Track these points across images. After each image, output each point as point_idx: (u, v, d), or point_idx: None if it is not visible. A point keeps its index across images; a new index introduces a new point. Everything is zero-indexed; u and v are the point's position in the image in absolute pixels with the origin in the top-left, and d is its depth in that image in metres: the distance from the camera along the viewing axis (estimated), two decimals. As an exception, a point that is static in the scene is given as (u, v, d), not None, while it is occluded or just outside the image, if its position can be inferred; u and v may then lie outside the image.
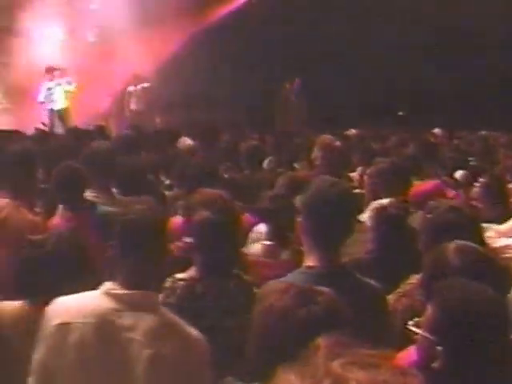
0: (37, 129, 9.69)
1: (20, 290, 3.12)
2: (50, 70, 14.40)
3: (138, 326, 2.49)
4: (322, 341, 1.38)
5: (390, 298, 3.06)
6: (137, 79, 15.54)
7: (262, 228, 4.57)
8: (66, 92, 14.35)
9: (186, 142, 8.16)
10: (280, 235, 4.01)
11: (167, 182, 6.78)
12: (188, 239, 3.21)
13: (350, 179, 6.36)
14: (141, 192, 4.88)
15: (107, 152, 4.85)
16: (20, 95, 14.56)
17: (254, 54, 15.97)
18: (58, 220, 4.39)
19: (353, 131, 10.77)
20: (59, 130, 13.56)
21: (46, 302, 2.83)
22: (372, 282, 2.88)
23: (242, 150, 6.78)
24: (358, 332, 1.95)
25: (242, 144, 7.20)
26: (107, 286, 2.58)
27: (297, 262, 3.08)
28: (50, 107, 14.41)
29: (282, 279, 2.71)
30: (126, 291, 2.53)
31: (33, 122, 13.34)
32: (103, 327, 2.49)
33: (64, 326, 2.51)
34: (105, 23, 15.90)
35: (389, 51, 15.31)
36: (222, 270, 3.19)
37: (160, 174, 6.82)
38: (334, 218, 2.72)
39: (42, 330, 2.58)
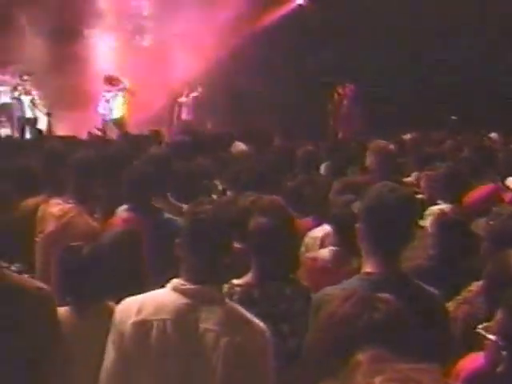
0: (90, 134, 9.81)
1: (63, 294, 3.21)
2: (108, 80, 14.54)
3: (211, 317, 2.63)
4: (362, 356, 1.36)
5: (450, 305, 3.00)
6: (189, 87, 15.65)
7: (316, 233, 4.54)
8: (123, 99, 14.54)
9: (240, 146, 8.18)
10: (348, 241, 3.94)
11: (221, 187, 6.83)
12: (238, 244, 3.19)
13: (405, 184, 6.26)
14: (195, 197, 5.00)
15: (163, 158, 4.88)
16: (75, 101, 14.78)
17: (306, 58, 15.92)
18: (118, 220, 4.41)
19: (407, 136, 10.63)
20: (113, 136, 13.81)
21: (89, 307, 2.92)
22: (431, 289, 2.82)
23: (299, 155, 6.76)
24: (415, 340, 1.93)
25: (299, 149, 7.18)
26: (175, 282, 2.69)
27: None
28: (108, 118, 14.59)
29: (340, 285, 2.67)
30: (194, 286, 2.65)
31: (86, 127, 13.64)
32: (180, 322, 2.62)
33: (143, 324, 2.62)
34: (157, 28, 16.06)
35: (440, 55, 15.11)
36: (278, 275, 3.20)
37: (215, 179, 6.86)
38: (393, 223, 2.68)
39: (115, 330, 2.69)
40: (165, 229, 4.06)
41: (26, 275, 2.92)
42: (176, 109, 15.91)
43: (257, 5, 15.97)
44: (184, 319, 2.63)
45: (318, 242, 4.41)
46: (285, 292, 3.23)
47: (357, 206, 2.91)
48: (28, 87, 14.54)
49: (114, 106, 14.56)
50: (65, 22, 15.43)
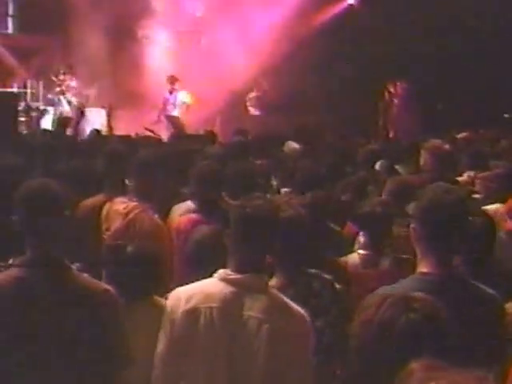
0: (139, 134, 9.89)
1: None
2: (172, 80, 14.64)
3: (255, 305, 2.76)
4: (415, 365, 1.36)
5: (508, 306, 2.96)
6: (256, 85, 15.73)
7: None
8: (183, 103, 14.67)
9: (292, 145, 8.17)
10: (377, 243, 3.92)
11: (276, 185, 6.85)
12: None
13: (460, 184, 6.19)
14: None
15: (218, 157, 4.92)
16: (130, 100, 14.94)
17: (357, 57, 15.81)
18: (185, 220, 4.44)
19: (461, 134, 10.48)
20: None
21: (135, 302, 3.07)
22: (489, 289, 2.79)
23: (360, 153, 6.76)
24: (467, 341, 1.91)
25: (355, 147, 7.16)
26: (222, 272, 2.83)
27: (399, 270, 3.03)
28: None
29: (396, 285, 2.67)
30: (240, 275, 2.79)
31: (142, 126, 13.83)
32: (225, 309, 2.77)
33: (192, 311, 2.78)
34: (212, 28, 16.12)
35: (494, 54, 14.83)
36: (303, 271, 3.29)
37: (270, 178, 6.88)
38: (450, 224, 2.66)
39: (167, 318, 2.85)
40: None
41: (86, 274, 2.95)
42: (248, 103, 15.93)
43: (309, 5, 15.92)
44: (229, 306, 2.76)
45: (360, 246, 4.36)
46: (313, 286, 3.35)
47: (411, 207, 2.89)
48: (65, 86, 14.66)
49: (177, 104, 14.66)
50: (120, 21, 15.58)
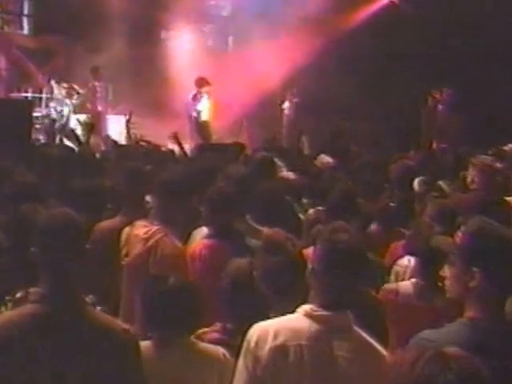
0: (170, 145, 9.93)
1: (146, 328, 3.27)
2: (201, 83, 14.70)
3: (343, 344, 2.87)
4: None
5: None
6: (290, 92, 15.75)
7: (407, 261, 4.44)
8: (209, 103, 14.76)
9: (325, 159, 8.15)
10: (433, 274, 3.85)
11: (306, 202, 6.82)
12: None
13: (508, 204, 6.09)
14: (277, 219, 5.01)
15: (243, 177, 4.91)
16: (155, 106, 15.01)
17: (398, 59, 15.72)
18: (200, 247, 4.44)
19: (508, 146, 10.34)
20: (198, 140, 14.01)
21: (173, 342, 3.01)
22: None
23: (394, 171, 6.70)
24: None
25: (391, 163, 7.10)
26: (307, 308, 2.89)
27: (452, 312, 2.95)
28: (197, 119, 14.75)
29: (441, 330, 2.62)
30: (326, 312, 2.87)
31: (165, 132, 13.86)
32: (315, 347, 2.85)
33: (281, 349, 2.83)
34: (239, 30, 16.16)
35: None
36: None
37: (301, 195, 6.85)
38: (506, 267, 2.59)
39: (250, 355, 2.86)
40: (249, 257, 4.08)
41: (103, 312, 2.95)
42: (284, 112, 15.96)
43: (346, 1, 15.88)
44: (319, 345, 2.85)
45: (409, 272, 4.32)
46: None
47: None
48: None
49: (203, 109, 14.73)
50: (142, 21, 15.68)
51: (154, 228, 4.55)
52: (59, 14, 15.22)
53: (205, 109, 14.61)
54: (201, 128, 14.40)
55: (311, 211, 6.30)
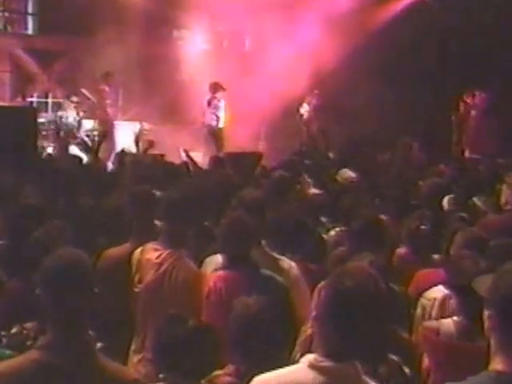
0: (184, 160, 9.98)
1: (158, 369, 3.31)
2: (215, 89, 14.77)
3: None
4: None
5: None
6: (310, 96, 15.78)
7: (435, 293, 4.40)
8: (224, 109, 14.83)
9: (347, 174, 8.17)
10: (476, 312, 3.82)
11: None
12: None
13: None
14: (294, 245, 5.04)
15: (259, 203, 4.96)
16: (167, 112, 15.08)
17: (427, 61, 15.71)
18: (214, 278, 4.49)
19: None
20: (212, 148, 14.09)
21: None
22: None
23: (423, 190, 6.74)
24: None
25: (420, 182, 7.13)
26: (311, 359, 2.81)
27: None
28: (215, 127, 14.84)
29: (468, 383, 2.62)
30: (333, 363, 2.78)
31: (178, 140, 13.95)
32: None
33: None
34: (258, 31, 16.18)
35: None
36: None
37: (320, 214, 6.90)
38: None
39: None
40: (265, 289, 4.13)
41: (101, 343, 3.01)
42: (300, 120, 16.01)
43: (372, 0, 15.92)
44: None
45: (437, 305, 4.33)
46: (379, 372, 3.31)
47: (486, 289, 2.80)
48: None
49: (220, 115, 14.80)
50: (153, 20, 15.75)
51: (167, 252, 4.59)
52: (65, 13, 15.31)
53: (221, 116, 14.69)
54: (217, 136, 14.48)
55: (332, 233, 6.35)
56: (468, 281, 3.81)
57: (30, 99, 15.15)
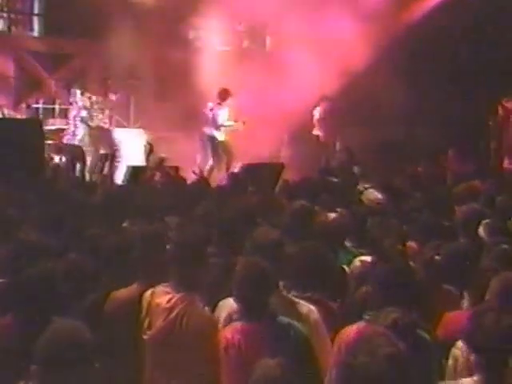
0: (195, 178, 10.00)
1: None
2: (224, 95, 14.79)
3: None
4: None
5: None
6: (323, 100, 15.75)
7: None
8: (228, 126, 14.84)
9: (373, 195, 8.15)
10: (500, 371, 3.81)
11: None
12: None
13: None
14: (316, 281, 5.04)
15: (274, 245, 4.98)
16: (186, 118, 15.11)
17: (461, 62, 15.63)
18: (229, 333, 4.49)
19: None
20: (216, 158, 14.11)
21: None
22: None
23: (458, 215, 6.72)
24: None
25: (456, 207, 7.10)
26: None
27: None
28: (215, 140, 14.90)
29: None
30: None
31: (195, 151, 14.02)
32: None
33: None
34: (281, 29, 16.17)
35: None
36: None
37: (344, 238, 6.89)
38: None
39: None
40: (284, 339, 4.15)
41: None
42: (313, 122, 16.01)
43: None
44: None
45: (468, 358, 4.29)
46: None
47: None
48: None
49: (221, 124, 14.82)
50: (166, 20, 15.77)
51: (178, 295, 4.62)
52: (74, 13, 15.39)
53: (222, 124, 14.71)
54: (224, 149, 14.49)
55: (357, 262, 6.34)
56: (487, 340, 3.79)
57: (35, 106, 15.22)
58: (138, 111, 15.71)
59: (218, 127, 14.70)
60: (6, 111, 14.35)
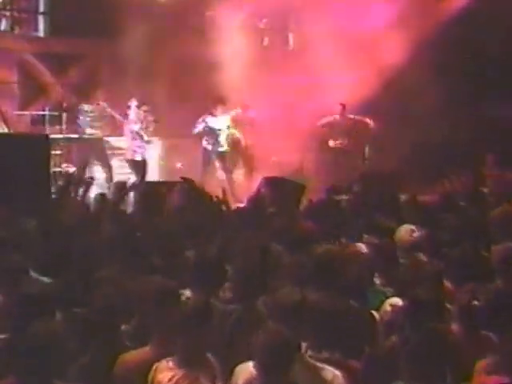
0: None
1: None
2: (216, 103, 14.94)
3: None
4: None
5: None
6: (342, 110, 15.73)
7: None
8: (231, 135, 14.92)
9: (409, 228, 8.07)
10: None
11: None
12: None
13: None
14: (338, 339, 5.03)
15: (297, 307, 4.99)
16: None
17: (495, 61, 15.55)
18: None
19: None
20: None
21: None
22: None
23: (494, 254, 6.71)
24: None
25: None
26: None
27: None
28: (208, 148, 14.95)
29: None
30: None
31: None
32: None
33: None
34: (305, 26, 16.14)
35: None
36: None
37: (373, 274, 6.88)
38: None
39: None
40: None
41: None
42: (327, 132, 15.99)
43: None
44: None
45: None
46: None
47: None
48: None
49: (221, 137, 14.93)
50: (180, 17, 15.79)
51: (180, 373, 4.65)
52: (81, 12, 15.46)
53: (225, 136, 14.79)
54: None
55: (387, 307, 6.31)
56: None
57: (41, 113, 15.26)
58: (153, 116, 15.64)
59: (212, 138, 14.88)
60: (8, 119, 14.41)
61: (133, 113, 14.66)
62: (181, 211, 9.11)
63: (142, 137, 14.65)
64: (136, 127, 14.56)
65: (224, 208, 9.30)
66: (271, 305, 5.19)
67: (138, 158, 14.62)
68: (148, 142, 14.86)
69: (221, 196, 9.50)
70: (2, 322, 5.42)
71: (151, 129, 14.91)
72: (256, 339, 4.57)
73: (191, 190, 9.82)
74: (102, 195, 9.58)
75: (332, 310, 5.12)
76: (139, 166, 14.46)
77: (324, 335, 5.01)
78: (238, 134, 15.18)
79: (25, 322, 4.78)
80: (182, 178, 10.22)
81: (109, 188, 13.09)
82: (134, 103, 14.63)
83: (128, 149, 14.74)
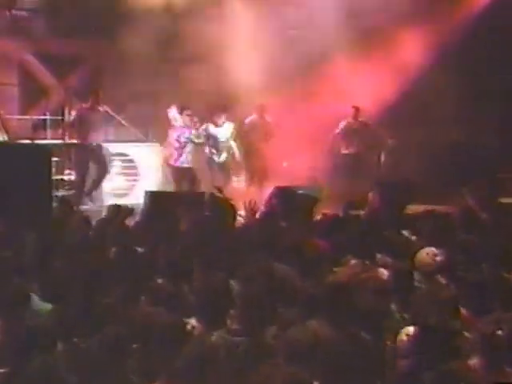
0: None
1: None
2: (214, 112, 14.93)
3: None
4: None
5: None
6: (356, 113, 15.72)
7: None
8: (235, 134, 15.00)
9: (431, 252, 8.04)
10: None
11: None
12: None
13: None
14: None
15: (311, 351, 4.99)
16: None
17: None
18: None
19: None
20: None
21: None
22: None
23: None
24: None
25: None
26: None
27: None
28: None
29: None
30: None
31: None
32: None
33: None
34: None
35: None
36: None
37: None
38: None
39: None
40: None
41: None
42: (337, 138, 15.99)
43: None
44: None
45: None
46: None
47: None
48: None
49: (222, 145, 14.95)
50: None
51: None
52: (84, 11, 15.48)
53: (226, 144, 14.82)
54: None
55: (404, 336, 6.28)
56: None
57: (42, 117, 15.25)
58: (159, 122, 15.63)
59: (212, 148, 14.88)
60: (8, 124, 14.39)
61: (179, 119, 14.56)
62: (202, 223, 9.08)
63: (193, 142, 14.65)
64: (186, 133, 14.55)
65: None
66: (282, 342, 5.19)
67: (185, 164, 14.60)
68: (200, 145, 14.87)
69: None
70: (2, 354, 5.43)
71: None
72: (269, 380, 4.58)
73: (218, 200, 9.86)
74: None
75: (345, 350, 5.11)
76: (188, 174, 14.49)
77: (336, 375, 5.01)
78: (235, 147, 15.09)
79: (25, 356, 4.82)
80: (215, 187, 10.19)
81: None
82: (173, 110, 14.56)
83: (171, 157, 14.64)
